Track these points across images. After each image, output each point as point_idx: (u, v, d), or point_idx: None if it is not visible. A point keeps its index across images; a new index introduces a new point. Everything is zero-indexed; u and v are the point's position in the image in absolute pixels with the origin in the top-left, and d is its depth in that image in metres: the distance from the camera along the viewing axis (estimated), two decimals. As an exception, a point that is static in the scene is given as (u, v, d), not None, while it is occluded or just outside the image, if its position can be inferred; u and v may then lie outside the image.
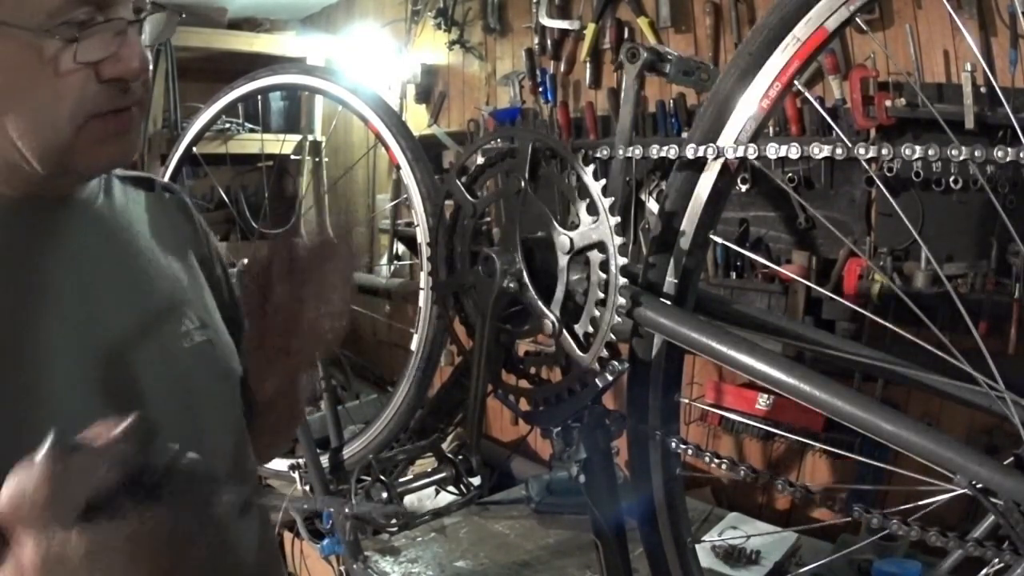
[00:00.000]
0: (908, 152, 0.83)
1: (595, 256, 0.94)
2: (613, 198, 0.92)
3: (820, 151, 0.89)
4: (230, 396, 0.86)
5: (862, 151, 0.85)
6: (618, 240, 0.91)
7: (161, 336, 0.77)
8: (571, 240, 0.95)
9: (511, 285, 1.00)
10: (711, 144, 0.93)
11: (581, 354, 0.96)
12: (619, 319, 0.93)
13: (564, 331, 0.97)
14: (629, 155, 1.00)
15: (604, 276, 0.93)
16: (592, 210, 0.93)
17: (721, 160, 0.94)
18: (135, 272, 0.77)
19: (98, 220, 0.76)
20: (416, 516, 1.98)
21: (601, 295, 0.94)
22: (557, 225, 0.97)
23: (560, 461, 1.05)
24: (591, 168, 0.93)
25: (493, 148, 1.10)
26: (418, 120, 3.04)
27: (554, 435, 1.05)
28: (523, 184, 0.99)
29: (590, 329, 0.96)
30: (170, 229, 0.85)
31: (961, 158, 0.79)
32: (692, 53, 2.17)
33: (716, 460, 0.97)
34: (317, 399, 2.09)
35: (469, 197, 1.08)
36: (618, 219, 0.91)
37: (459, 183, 1.09)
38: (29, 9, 0.61)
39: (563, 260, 0.97)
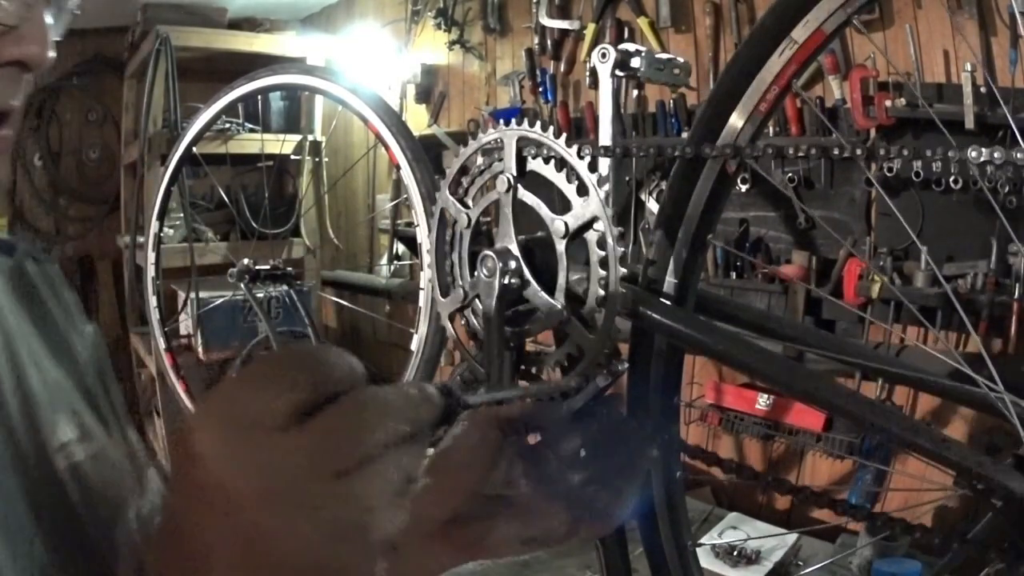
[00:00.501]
0: (891, 151, 0.83)
1: (591, 235, 0.94)
2: (601, 174, 0.92)
3: (812, 151, 0.90)
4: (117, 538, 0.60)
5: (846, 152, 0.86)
6: (611, 212, 0.91)
7: (25, 453, 0.56)
8: (565, 224, 0.96)
9: (513, 281, 1.00)
10: (710, 144, 0.93)
11: (591, 337, 0.96)
12: (623, 290, 0.93)
13: (572, 317, 0.98)
14: (615, 155, 1.01)
15: (603, 253, 0.93)
16: (582, 190, 0.94)
17: (720, 160, 0.94)
18: None
19: None
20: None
21: (602, 272, 0.94)
22: (551, 212, 0.97)
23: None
24: (575, 148, 0.93)
25: (490, 147, 1.10)
26: (418, 120, 3.05)
27: (554, 435, 1.05)
28: (511, 181, 1.00)
29: (596, 311, 0.96)
30: (36, 308, 0.67)
31: (937, 159, 0.79)
32: (692, 53, 2.17)
33: (716, 461, 0.97)
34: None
35: (462, 208, 1.09)
36: (608, 190, 0.91)
37: (451, 198, 1.09)
38: None
39: (560, 246, 0.97)
